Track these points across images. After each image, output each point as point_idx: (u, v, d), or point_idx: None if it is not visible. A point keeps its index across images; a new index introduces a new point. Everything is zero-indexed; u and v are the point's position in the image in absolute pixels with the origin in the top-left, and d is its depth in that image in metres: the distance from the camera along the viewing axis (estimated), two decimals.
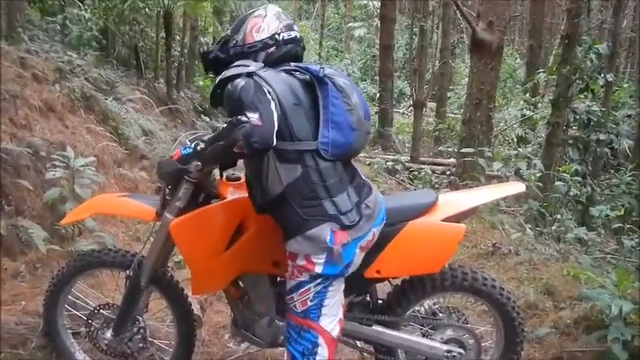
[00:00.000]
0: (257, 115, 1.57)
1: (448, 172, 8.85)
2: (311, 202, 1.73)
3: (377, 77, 14.81)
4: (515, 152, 6.93)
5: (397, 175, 8.97)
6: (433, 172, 8.95)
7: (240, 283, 2.14)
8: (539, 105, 9.64)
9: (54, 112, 4.47)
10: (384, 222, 1.95)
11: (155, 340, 2.37)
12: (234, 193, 2.00)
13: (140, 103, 6.94)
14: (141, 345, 2.22)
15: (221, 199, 2.01)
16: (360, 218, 1.78)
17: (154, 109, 7.15)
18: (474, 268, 2.25)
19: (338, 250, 1.72)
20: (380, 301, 2.24)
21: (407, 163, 9.40)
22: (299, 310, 1.81)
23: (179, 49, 9.67)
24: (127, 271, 2.13)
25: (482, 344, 2.26)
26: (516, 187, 2.38)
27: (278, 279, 2.10)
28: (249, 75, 1.68)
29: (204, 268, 2.00)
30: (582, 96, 7.56)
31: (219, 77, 1.75)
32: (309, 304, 1.79)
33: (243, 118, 1.57)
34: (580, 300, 3.14)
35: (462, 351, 2.16)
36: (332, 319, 1.84)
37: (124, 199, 2.22)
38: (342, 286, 1.87)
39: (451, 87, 14.58)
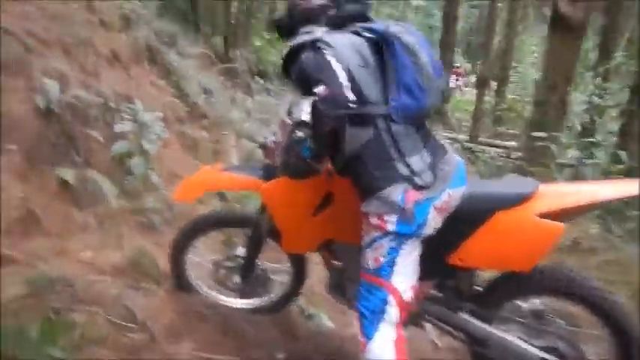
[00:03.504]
0: (322, 86, 1.61)
1: (513, 157, 8.39)
2: (384, 164, 1.72)
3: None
4: (592, 140, 6.43)
5: None
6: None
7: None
8: (608, 91, 8.97)
9: (119, 62, 4.31)
10: (463, 187, 1.83)
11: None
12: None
13: (199, 60, 6.75)
14: (263, 283, 2.59)
15: None
16: (435, 179, 1.75)
17: (212, 67, 6.97)
18: (576, 269, 1.96)
19: (410, 209, 1.70)
20: (477, 290, 2.06)
21: (465, 143, 8.99)
22: (371, 268, 1.79)
23: (236, 5, 9.40)
24: (250, 230, 2.39)
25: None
26: (632, 188, 1.88)
27: None
28: (313, 43, 1.70)
29: (291, 230, 2.15)
30: None
31: (285, 50, 1.79)
32: (382, 260, 1.76)
33: (314, 98, 1.62)
34: None
35: None
36: (404, 279, 1.78)
37: (227, 174, 2.32)
38: (417, 251, 1.80)
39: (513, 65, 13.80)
